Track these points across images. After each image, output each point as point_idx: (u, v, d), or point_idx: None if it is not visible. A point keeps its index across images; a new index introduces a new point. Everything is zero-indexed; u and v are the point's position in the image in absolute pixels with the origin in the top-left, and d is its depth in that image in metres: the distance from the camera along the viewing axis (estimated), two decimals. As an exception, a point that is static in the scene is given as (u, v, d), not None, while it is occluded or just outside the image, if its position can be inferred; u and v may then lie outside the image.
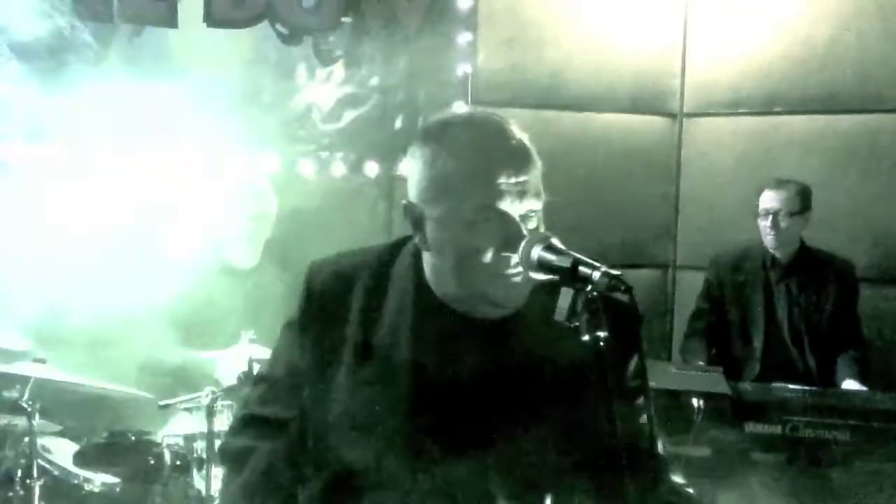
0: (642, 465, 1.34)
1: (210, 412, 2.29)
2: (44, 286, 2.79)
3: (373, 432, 1.42)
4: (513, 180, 1.35)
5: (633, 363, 1.43)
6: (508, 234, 1.34)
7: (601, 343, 1.19)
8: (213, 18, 3.57)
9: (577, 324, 1.21)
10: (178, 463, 2.39)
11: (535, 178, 1.39)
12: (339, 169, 3.77)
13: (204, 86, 3.50)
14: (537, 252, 1.29)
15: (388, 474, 1.40)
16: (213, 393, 2.32)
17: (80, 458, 2.46)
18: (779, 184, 3.48)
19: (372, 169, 3.82)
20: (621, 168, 4.21)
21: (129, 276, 2.97)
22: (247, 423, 1.58)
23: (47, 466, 2.54)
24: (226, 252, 3.27)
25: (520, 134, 1.42)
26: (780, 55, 3.97)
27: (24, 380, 2.41)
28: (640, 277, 4.37)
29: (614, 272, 1.21)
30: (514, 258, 1.33)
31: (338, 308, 1.47)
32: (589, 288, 1.20)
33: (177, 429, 2.53)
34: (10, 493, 2.46)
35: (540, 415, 1.40)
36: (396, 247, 1.52)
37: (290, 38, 3.67)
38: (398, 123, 3.86)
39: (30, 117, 3.28)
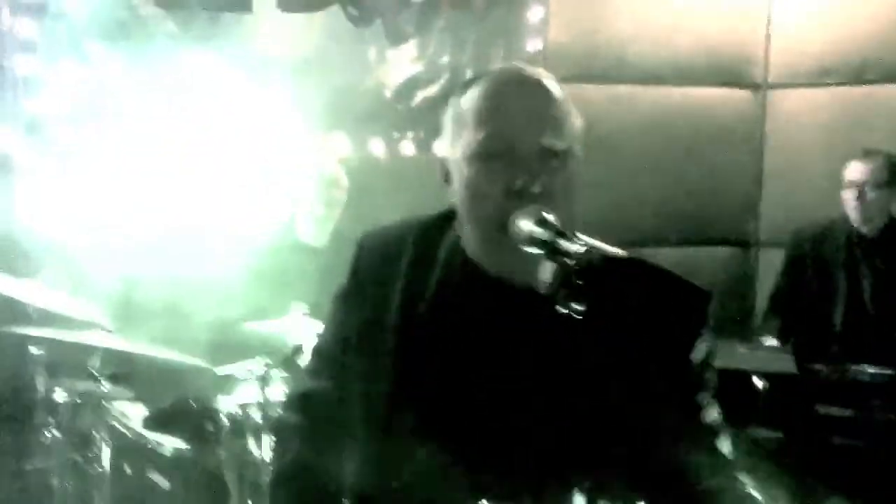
0: (700, 458, 1.31)
1: (263, 382, 2.38)
2: (120, 259, 2.96)
3: (414, 405, 1.38)
4: (523, 110, 1.29)
5: (698, 345, 1.35)
6: (513, 167, 1.27)
7: (577, 318, 1.12)
8: (286, 3, 3.66)
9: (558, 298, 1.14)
10: (235, 430, 2.50)
11: (557, 113, 1.31)
12: (408, 148, 3.81)
13: (278, 69, 3.63)
14: (528, 225, 1.21)
15: (431, 447, 1.36)
16: (268, 364, 2.41)
17: (148, 423, 2.60)
18: (866, 154, 3.29)
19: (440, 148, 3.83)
20: (701, 144, 4.08)
21: (201, 251, 3.10)
22: (296, 398, 1.59)
23: (123, 430, 2.69)
24: (297, 230, 3.37)
25: (547, 78, 1.36)
26: (870, 18, 3.74)
27: (96, 349, 2.56)
28: (721, 255, 4.25)
29: (594, 244, 1.17)
30: (530, 191, 1.25)
31: (383, 278, 1.45)
32: (567, 261, 1.14)
33: (235, 397, 2.63)
34: (89, 454, 2.62)
35: (581, 392, 1.30)
36: (443, 216, 1.47)
37: (361, 20, 3.72)
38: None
39: (113, 99, 3.45)
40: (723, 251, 4.24)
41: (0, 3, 3.42)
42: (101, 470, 2.53)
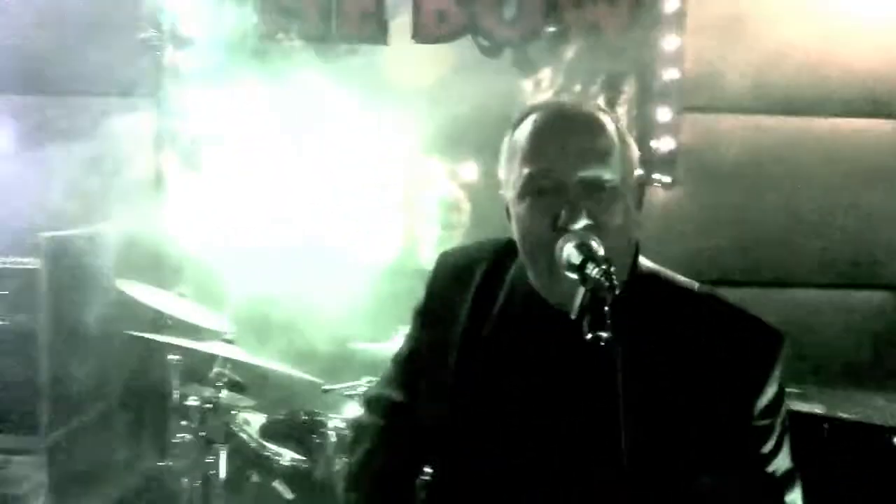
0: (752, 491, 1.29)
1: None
2: (249, 275, 3.15)
3: (470, 423, 1.43)
4: (568, 146, 1.32)
5: (765, 389, 1.32)
6: (558, 201, 1.30)
7: (601, 343, 1.12)
8: (419, 34, 3.79)
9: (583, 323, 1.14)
10: (340, 445, 2.58)
11: (602, 146, 1.33)
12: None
13: (410, 98, 3.75)
14: (567, 249, 1.22)
15: (492, 465, 1.41)
16: (369, 382, 2.48)
17: (263, 432, 2.74)
18: None
19: (569, 177, 3.82)
20: (849, 179, 3.84)
21: (324, 271, 3.24)
22: (370, 401, 1.68)
23: (245, 438, 2.85)
24: (419, 256, 3.45)
25: (594, 111, 1.39)
26: None
27: (221, 358, 2.74)
28: (870, 300, 3.97)
29: (608, 269, 1.15)
30: (573, 225, 1.27)
31: (454, 298, 1.50)
32: (592, 287, 1.15)
33: (342, 413, 2.72)
34: (213, 458, 2.79)
35: (630, 424, 1.26)
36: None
37: (491, 50, 3.80)
38: (600, 131, 3.84)
39: (254, 124, 3.69)
40: (873, 295, 3.96)
41: (165, 40, 3.73)
42: (221, 475, 2.69)
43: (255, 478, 2.82)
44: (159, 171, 3.70)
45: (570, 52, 3.77)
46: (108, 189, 3.53)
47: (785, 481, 1.34)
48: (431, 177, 3.73)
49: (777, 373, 1.34)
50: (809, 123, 3.81)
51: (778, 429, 1.33)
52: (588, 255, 1.19)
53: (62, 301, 3.17)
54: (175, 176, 3.73)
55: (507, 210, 1.44)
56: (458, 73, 3.78)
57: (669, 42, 3.77)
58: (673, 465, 1.30)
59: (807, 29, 3.71)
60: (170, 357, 3.02)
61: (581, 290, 1.17)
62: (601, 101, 3.78)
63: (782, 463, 1.34)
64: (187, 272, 3.28)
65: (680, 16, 3.76)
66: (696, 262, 3.72)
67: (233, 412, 2.86)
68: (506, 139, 1.44)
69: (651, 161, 3.80)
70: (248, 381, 2.85)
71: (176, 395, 2.98)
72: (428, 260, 3.36)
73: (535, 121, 1.38)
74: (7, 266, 3.18)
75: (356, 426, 1.77)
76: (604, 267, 1.16)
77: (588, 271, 1.17)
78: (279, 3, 3.77)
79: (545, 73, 3.79)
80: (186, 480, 2.87)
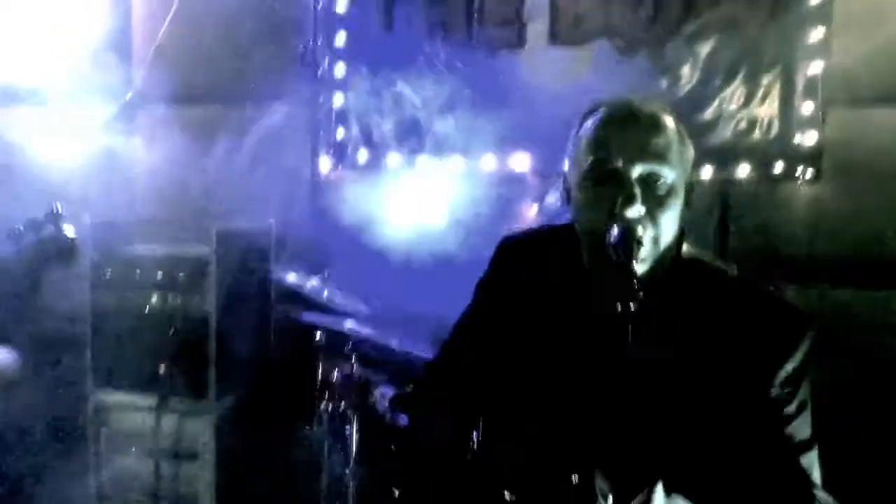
0: (773, 470, 1.37)
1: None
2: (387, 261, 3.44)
3: (525, 390, 1.56)
4: (630, 140, 1.42)
5: (787, 365, 1.41)
6: (617, 190, 1.41)
7: (630, 313, 1.24)
8: (556, 38, 3.93)
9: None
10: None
11: (662, 143, 1.43)
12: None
13: (546, 101, 3.89)
14: (612, 234, 1.37)
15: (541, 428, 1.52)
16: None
17: (393, 405, 2.98)
18: None
19: (707, 173, 3.81)
20: None
21: (457, 270, 3.45)
22: (429, 365, 1.85)
23: (381, 410, 3.11)
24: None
25: (657, 109, 1.50)
26: None
27: (359, 337, 3.02)
28: None
29: (632, 250, 1.32)
30: (629, 213, 1.38)
31: (514, 275, 1.65)
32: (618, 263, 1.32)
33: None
34: (349, 428, 3.07)
35: (669, 397, 1.40)
36: (573, 228, 1.61)
37: (628, 51, 3.86)
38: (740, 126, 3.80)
39: (403, 125, 3.97)
40: None
41: (323, 51, 4.11)
42: (354, 444, 2.97)
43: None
44: (315, 170, 4.07)
45: (708, 49, 3.77)
46: (270, 187, 3.95)
47: (801, 446, 1.40)
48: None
49: (801, 351, 1.41)
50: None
51: (798, 399, 1.40)
52: (627, 244, 1.34)
53: (228, 285, 3.58)
54: (329, 175, 4.09)
55: (567, 195, 1.57)
56: (595, 74, 3.87)
57: (814, 35, 3.67)
58: (703, 431, 1.38)
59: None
60: (316, 334, 3.34)
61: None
62: (741, 97, 3.75)
63: (800, 430, 1.40)
64: (334, 259, 3.60)
65: (825, 8, 3.65)
66: (843, 259, 3.61)
67: (368, 387, 3.14)
68: (573, 131, 1.57)
69: (795, 156, 3.71)
70: (381, 358, 3.10)
71: (322, 370, 3.29)
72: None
73: (602, 114, 1.50)
74: (182, 254, 3.63)
75: (416, 385, 1.94)
76: (630, 248, 1.31)
77: (618, 248, 1.32)
78: (426, 13, 4.04)
79: (682, 72, 3.81)
80: (327, 446, 3.17)
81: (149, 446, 3.58)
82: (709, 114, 3.79)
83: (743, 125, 3.78)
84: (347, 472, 3.01)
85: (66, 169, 4.14)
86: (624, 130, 1.45)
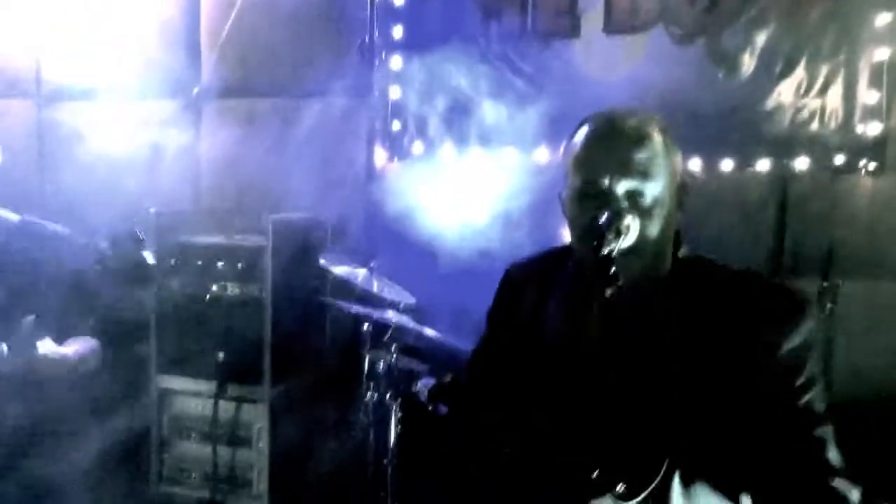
0: (788, 439, 1.43)
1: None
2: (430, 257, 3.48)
3: (538, 393, 1.63)
4: (614, 158, 1.48)
5: (790, 341, 1.47)
6: (610, 209, 1.47)
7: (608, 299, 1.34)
8: (611, 27, 3.88)
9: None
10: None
11: (644, 159, 1.49)
12: (727, 165, 3.76)
13: (601, 91, 3.86)
14: (602, 217, 1.45)
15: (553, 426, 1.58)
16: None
17: (430, 394, 3.03)
18: None
19: (764, 165, 3.71)
20: None
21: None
22: (448, 381, 2.00)
23: (422, 400, 3.16)
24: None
25: (639, 122, 1.53)
26: None
27: (401, 327, 3.08)
28: None
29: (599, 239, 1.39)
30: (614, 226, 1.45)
31: (517, 303, 1.74)
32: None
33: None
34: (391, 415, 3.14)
35: (672, 383, 1.47)
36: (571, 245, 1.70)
37: (684, 39, 3.78)
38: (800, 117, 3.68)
39: (454, 119, 4.01)
40: None
41: (380, 44, 4.17)
42: (393, 433, 3.03)
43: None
44: (370, 162, 4.14)
45: (766, 37, 3.66)
46: (327, 178, 4.04)
47: (813, 419, 1.45)
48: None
49: (804, 327, 1.47)
50: None
51: (805, 374, 1.46)
52: (611, 227, 1.42)
53: (283, 274, 3.69)
54: (384, 166, 4.16)
55: (560, 199, 1.63)
56: (650, 63, 3.81)
57: (880, 20, 3.53)
58: (715, 416, 1.44)
59: None
60: (364, 325, 3.41)
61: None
62: (801, 86, 3.63)
63: (812, 404, 1.46)
64: (385, 251, 3.67)
65: (893, -9, 3.51)
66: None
67: (412, 376, 3.20)
68: (564, 143, 1.63)
69: (857, 147, 3.58)
70: (424, 349, 3.16)
71: (367, 359, 3.36)
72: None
73: (587, 132, 1.56)
74: (240, 244, 3.75)
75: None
76: (615, 232, 1.39)
77: (604, 232, 1.40)
78: (481, 5, 4.05)
79: (740, 61, 3.71)
80: (372, 434, 3.25)
81: (207, 431, 3.73)
82: (767, 104, 3.69)
83: (803, 115, 3.66)
84: (386, 460, 3.07)
85: (133, 160, 4.32)
86: (608, 149, 1.50)
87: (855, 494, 1.42)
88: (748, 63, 3.71)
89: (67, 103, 4.67)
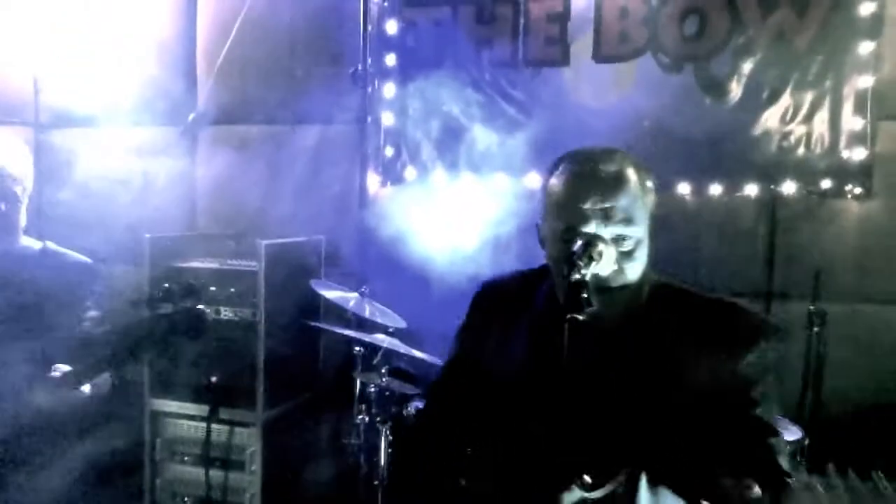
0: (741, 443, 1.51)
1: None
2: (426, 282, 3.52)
3: (509, 412, 1.68)
4: (598, 206, 1.55)
5: (748, 357, 1.57)
6: (593, 251, 1.53)
7: (573, 322, 1.39)
8: (600, 55, 3.95)
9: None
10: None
11: (625, 205, 1.56)
12: (716, 189, 3.80)
13: (591, 116, 3.91)
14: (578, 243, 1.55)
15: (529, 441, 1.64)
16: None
17: (416, 419, 3.06)
18: None
19: (753, 190, 3.76)
20: None
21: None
22: (425, 397, 2.00)
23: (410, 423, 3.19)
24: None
25: (619, 166, 1.59)
26: None
27: (391, 351, 3.10)
28: None
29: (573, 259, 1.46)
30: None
31: (489, 320, 1.80)
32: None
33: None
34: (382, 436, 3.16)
35: (644, 401, 1.54)
36: (545, 268, 1.77)
37: (672, 67, 3.84)
38: (787, 142, 3.74)
39: (450, 144, 4.07)
40: None
41: (374, 72, 4.23)
42: (383, 455, 3.05)
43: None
44: (363, 187, 4.18)
45: (754, 64, 3.72)
46: (321, 203, 4.08)
47: (767, 429, 1.55)
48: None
49: (760, 346, 1.58)
50: None
51: (761, 388, 1.56)
52: (588, 247, 1.49)
53: (276, 298, 3.72)
54: (375, 191, 4.21)
55: (542, 240, 1.70)
56: (639, 90, 3.87)
57: (863, 48, 3.59)
58: (681, 424, 1.51)
59: None
60: (355, 348, 3.44)
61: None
62: (788, 112, 3.69)
63: (766, 415, 1.56)
64: (377, 275, 3.70)
65: (875, 21, 3.58)
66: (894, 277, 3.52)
67: (402, 399, 3.22)
68: (542, 180, 1.72)
69: (844, 172, 3.63)
70: (415, 372, 3.19)
71: (358, 382, 3.39)
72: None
73: (568, 175, 1.62)
74: (235, 268, 3.78)
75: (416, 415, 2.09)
76: (583, 264, 1.46)
77: (577, 264, 1.46)
78: (473, 34, 4.12)
79: (728, 87, 3.77)
80: (363, 456, 3.26)
81: (199, 454, 3.73)
82: (754, 130, 3.75)
83: (789, 141, 3.72)
84: (377, 482, 3.08)
85: (129, 185, 4.37)
86: (591, 196, 1.56)
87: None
88: (735, 90, 3.77)
89: (65, 129, 4.72)
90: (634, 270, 1.59)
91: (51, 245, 2.64)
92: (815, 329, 3.39)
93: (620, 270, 1.57)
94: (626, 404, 1.53)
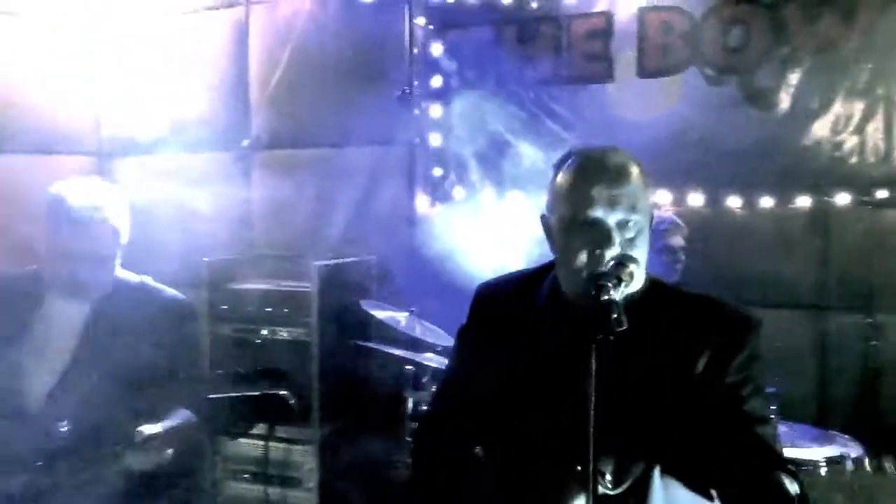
0: (737, 442, 1.58)
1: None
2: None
3: (515, 403, 1.72)
4: (605, 193, 1.60)
5: (735, 361, 1.65)
6: (597, 235, 1.60)
7: (603, 343, 1.42)
8: (644, 70, 3.95)
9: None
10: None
11: (631, 193, 1.61)
12: (766, 202, 3.77)
13: (636, 132, 3.91)
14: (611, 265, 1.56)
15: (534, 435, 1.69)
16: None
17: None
18: None
19: (804, 202, 3.71)
20: None
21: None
22: (428, 407, 2.05)
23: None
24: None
25: (623, 159, 1.66)
26: None
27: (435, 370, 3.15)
28: None
29: (602, 280, 1.49)
30: (608, 253, 1.58)
31: (492, 321, 1.83)
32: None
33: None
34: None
35: (639, 395, 1.60)
36: (545, 266, 1.82)
37: (717, 80, 3.82)
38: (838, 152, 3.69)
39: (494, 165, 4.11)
40: None
41: (419, 96, 4.31)
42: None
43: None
44: (412, 208, 4.26)
45: (801, 74, 3.69)
46: (371, 224, 4.17)
47: (759, 421, 1.63)
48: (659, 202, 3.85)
49: (749, 343, 1.67)
50: None
51: (751, 383, 1.65)
52: (614, 277, 1.51)
53: (329, 318, 3.81)
54: (424, 211, 4.28)
55: (545, 224, 1.76)
56: (685, 104, 3.86)
57: (915, 53, 3.53)
58: (680, 419, 1.58)
59: None
60: (405, 367, 3.50)
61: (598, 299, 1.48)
62: (839, 121, 3.64)
63: (757, 408, 1.64)
64: (426, 294, 3.76)
65: (928, 24, 3.51)
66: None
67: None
68: (551, 175, 1.76)
69: (899, 180, 3.57)
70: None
71: (410, 401, 3.44)
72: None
73: (576, 166, 1.68)
74: (289, 289, 3.89)
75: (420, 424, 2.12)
76: (612, 285, 1.49)
77: (606, 285, 1.48)
78: (516, 53, 4.17)
79: (775, 98, 3.74)
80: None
81: (258, 472, 3.83)
82: (805, 140, 3.71)
83: (842, 151, 3.67)
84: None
85: (187, 211, 4.51)
86: (599, 183, 1.62)
87: (794, 487, 1.54)
88: (783, 101, 3.73)
89: (125, 158, 4.91)
90: (641, 258, 1.63)
91: (148, 280, 2.54)
92: (872, 343, 3.33)
93: (640, 277, 1.62)
94: (632, 401, 1.58)
